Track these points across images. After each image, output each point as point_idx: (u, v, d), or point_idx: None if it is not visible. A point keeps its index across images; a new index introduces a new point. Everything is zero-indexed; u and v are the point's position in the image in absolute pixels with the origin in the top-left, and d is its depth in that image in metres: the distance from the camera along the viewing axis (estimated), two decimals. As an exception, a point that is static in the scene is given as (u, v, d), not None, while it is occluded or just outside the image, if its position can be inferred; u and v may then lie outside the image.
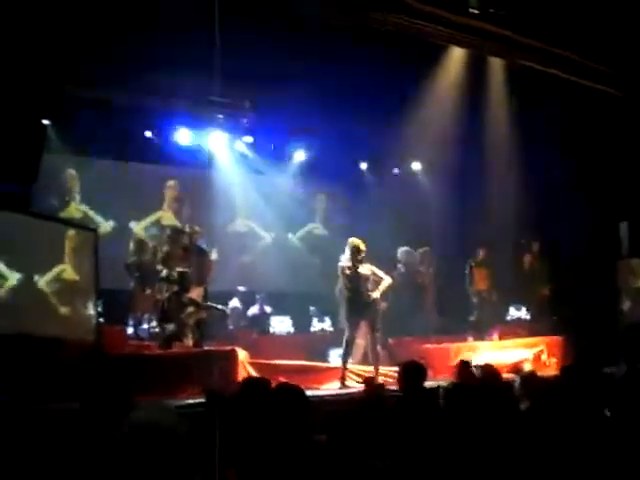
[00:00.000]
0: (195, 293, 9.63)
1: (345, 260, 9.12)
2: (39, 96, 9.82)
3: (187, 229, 10.05)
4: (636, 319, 11.69)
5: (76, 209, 11.85)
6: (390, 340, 10.48)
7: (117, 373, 7.69)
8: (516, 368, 9.68)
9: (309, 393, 5.22)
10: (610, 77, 10.60)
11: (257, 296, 12.18)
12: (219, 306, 10.19)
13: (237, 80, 9.83)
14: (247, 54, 9.45)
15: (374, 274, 9.22)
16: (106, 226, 12.00)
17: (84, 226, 9.97)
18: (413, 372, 5.43)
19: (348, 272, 9.08)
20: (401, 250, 11.89)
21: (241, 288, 12.29)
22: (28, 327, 7.63)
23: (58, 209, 11.52)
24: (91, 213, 11.92)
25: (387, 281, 9.31)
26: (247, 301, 12.11)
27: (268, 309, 12.14)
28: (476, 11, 9.27)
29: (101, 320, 9.19)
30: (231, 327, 11.35)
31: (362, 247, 9.09)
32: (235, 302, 11.89)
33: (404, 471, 4.01)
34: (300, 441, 3.93)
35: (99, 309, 9.10)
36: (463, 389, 4.73)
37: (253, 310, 12.11)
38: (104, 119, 10.96)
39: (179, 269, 9.47)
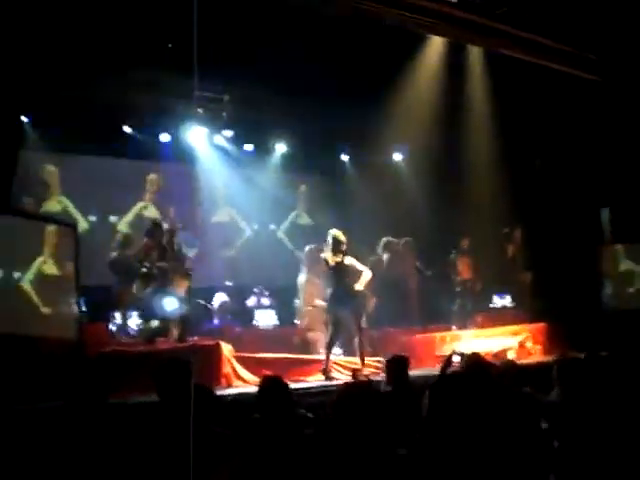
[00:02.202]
0: (180, 288, 9.57)
1: (327, 251, 9.11)
2: (17, 93, 9.71)
3: (166, 226, 9.95)
4: (619, 304, 11.77)
5: (56, 205, 11.75)
6: (374, 332, 10.49)
7: (99, 371, 7.67)
8: (497, 356, 9.74)
9: (295, 386, 5.22)
10: (590, 63, 10.62)
11: (255, 289, 12.08)
12: (202, 301, 10.14)
13: (216, 74, 9.76)
14: (226, 47, 9.39)
15: (354, 266, 9.22)
16: (87, 223, 11.91)
17: (63, 222, 9.87)
18: (397, 365, 5.52)
19: (332, 264, 9.06)
20: (383, 241, 11.87)
21: (228, 283, 12.24)
22: (9, 326, 7.54)
23: (37, 206, 11.41)
24: (72, 210, 11.82)
25: (367, 274, 9.32)
26: (234, 295, 12.02)
27: (267, 301, 12.03)
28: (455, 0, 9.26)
29: (84, 318, 9.10)
30: (216, 322, 11.30)
31: (343, 238, 9.08)
32: (222, 296, 11.81)
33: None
34: (287, 434, 3.92)
35: (82, 306, 9.01)
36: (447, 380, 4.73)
37: (251, 302, 12.02)
38: (83, 115, 10.84)
39: (159, 264, 9.41)
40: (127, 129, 11.75)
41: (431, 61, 11.63)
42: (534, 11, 9.67)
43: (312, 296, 10.51)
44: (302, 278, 10.66)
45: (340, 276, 9.10)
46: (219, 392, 7.71)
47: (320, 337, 10.19)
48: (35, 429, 5.77)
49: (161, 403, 4.32)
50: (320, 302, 10.32)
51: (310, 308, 10.49)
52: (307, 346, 10.29)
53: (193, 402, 3.53)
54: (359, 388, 4.29)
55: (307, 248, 10.72)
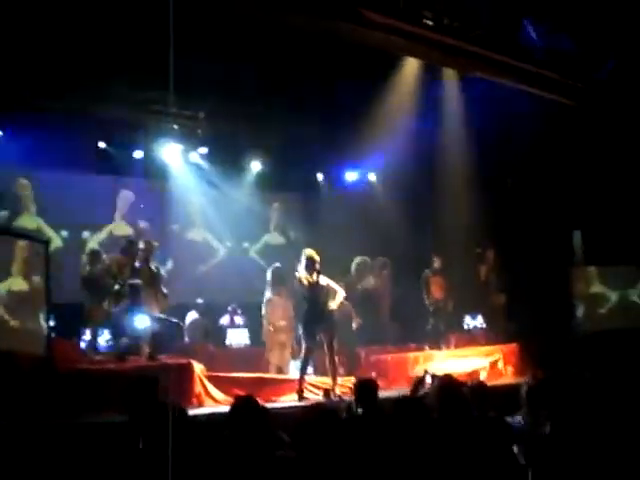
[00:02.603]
0: (156, 308, 9.49)
1: (302, 271, 9.08)
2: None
3: (142, 244, 9.86)
4: (590, 326, 11.87)
5: (30, 220, 11.64)
6: (347, 351, 10.49)
7: (69, 389, 7.58)
8: (471, 376, 9.75)
9: (268, 406, 5.18)
10: (564, 87, 10.73)
11: (229, 307, 12.03)
12: (173, 319, 10.05)
13: (192, 91, 9.75)
14: (202, 65, 9.39)
15: (329, 285, 9.23)
16: (60, 238, 11.79)
17: (35, 237, 9.77)
18: (365, 389, 5.54)
19: (307, 283, 9.04)
20: (357, 260, 11.88)
21: (200, 300, 12.16)
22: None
23: (10, 220, 11.31)
24: (44, 225, 11.70)
25: (341, 293, 9.33)
26: (206, 313, 11.94)
27: (240, 320, 11.96)
28: (430, 22, 9.33)
29: (54, 334, 8.98)
30: (187, 340, 11.21)
31: (317, 258, 9.07)
32: (193, 314, 11.74)
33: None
34: (264, 457, 3.87)
35: (51, 322, 8.89)
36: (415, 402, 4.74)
37: (224, 320, 11.96)
38: (58, 129, 10.79)
39: (130, 282, 9.32)
40: (102, 145, 11.69)
41: (406, 82, 11.69)
42: (509, 34, 9.78)
43: (274, 316, 10.44)
44: (266, 297, 10.57)
45: (314, 295, 9.08)
46: (190, 412, 7.64)
47: (276, 357, 10.19)
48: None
49: (129, 420, 4.28)
50: (281, 322, 10.31)
51: (271, 328, 10.43)
52: (268, 366, 10.25)
53: (165, 422, 3.49)
54: (319, 412, 4.27)
55: (271, 267, 10.65)
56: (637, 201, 11.57)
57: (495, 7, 9.52)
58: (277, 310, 10.41)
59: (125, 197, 12.56)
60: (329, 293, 9.23)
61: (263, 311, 10.46)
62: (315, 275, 9.02)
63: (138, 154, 12.04)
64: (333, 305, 9.17)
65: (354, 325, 11.05)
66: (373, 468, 4.06)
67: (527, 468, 4.47)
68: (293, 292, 10.05)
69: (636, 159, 11.39)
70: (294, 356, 10.12)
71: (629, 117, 11.19)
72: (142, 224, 12.40)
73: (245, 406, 4.20)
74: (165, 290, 9.77)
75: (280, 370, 10.04)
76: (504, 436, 4.55)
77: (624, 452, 4.21)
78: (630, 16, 9.64)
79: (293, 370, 9.85)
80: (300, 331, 9.26)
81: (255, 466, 3.80)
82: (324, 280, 9.13)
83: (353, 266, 11.84)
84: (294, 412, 7.31)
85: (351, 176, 14.35)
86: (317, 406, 5.21)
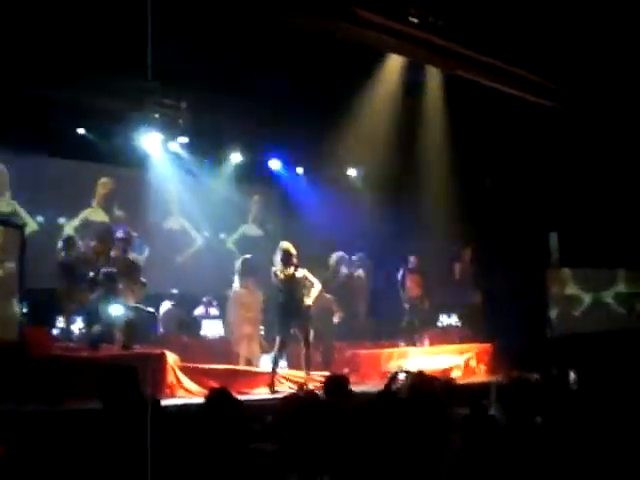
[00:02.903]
0: (133, 297, 9.44)
1: (278, 264, 9.07)
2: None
3: (121, 234, 9.78)
4: (564, 327, 11.97)
5: (6, 205, 11.52)
6: (322, 345, 10.50)
7: (41, 375, 7.53)
8: (444, 373, 9.81)
9: (240, 398, 5.18)
10: (545, 89, 10.81)
11: (204, 298, 11.98)
12: (148, 308, 10.01)
13: (174, 80, 9.70)
14: (184, 54, 9.34)
15: (307, 278, 9.22)
16: (36, 224, 11.67)
17: (9, 222, 9.67)
18: (336, 385, 5.56)
19: (282, 277, 9.02)
20: (335, 255, 11.88)
21: (174, 290, 12.11)
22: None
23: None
24: (21, 210, 11.58)
25: (317, 287, 9.32)
26: (181, 303, 11.89)
27: (215, 311, 11.91)
28: (416, 20, 9.36)
29: (26, 320, 8.91)
30: (162, 330, 11.16)
31: (293, 251, 9.05)
32: (167, 304, 11.69)
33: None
34: (238, 450, 3.87)
35: (24, 309, 8.82)
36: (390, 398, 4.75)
37: (199, 311, 11.91)
38: (37, 115, 10.67)
39: (106, 270, 9.27)
40: (81, 131, 11.59)
41: (388, 79, 11.72)
42: (494, 35, 9.83)
43: (240, 307, 10.41)
44: (233, 288, 10.52)
45: (290, 289, 9.07)
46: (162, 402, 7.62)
47: (244, 349, 10.16)
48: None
49: (104, 410, 4.25)
50: (248, 314, 10.28)
51: (236, 319, 10.40)
52: (237, 358, 10.23)
53: (141, 412, 3.48)
54: (300, 402, 4.27)
55: (241, 258, 10.61)
56: (613, 204, 11.68)
57: (480, 9, 9.57)
58: (244, 301, 10.36)
59: (104, 184, 12.47)
60: (305, 287, 9.22)
61: (229, 302, 10.45)
62: (292, 269, 9.01)
63: (118, 142, 11.93)
64: (309, 301, 9.17)
65: (335, 319, 11.04)
66: (343, 461, 4.07)
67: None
68: (263, 284, 10.03)
69: (614, 163, 11.50)
70: (263, 350, 10.11)
71: (609, 121, 11.29)
72: (119, 211, 12.33)
73: (220, 398, 4.19)
74: (144, 280, 9.73)
75: (249, 362, 9.99)
76: (486, 431, 4.56)
77: (591, 455, 4.24)
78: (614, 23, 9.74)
79: (266, 363, 9.83)
80: (275, 324, 9.26)
81: (228, 458, 3.80)
82: (300, 273, 9.12)
83: (331, 261, 11.84)
84: (266, 405, 7.33)
85: (331, 171, 14.33)
86: (294, 397, 5.21)
